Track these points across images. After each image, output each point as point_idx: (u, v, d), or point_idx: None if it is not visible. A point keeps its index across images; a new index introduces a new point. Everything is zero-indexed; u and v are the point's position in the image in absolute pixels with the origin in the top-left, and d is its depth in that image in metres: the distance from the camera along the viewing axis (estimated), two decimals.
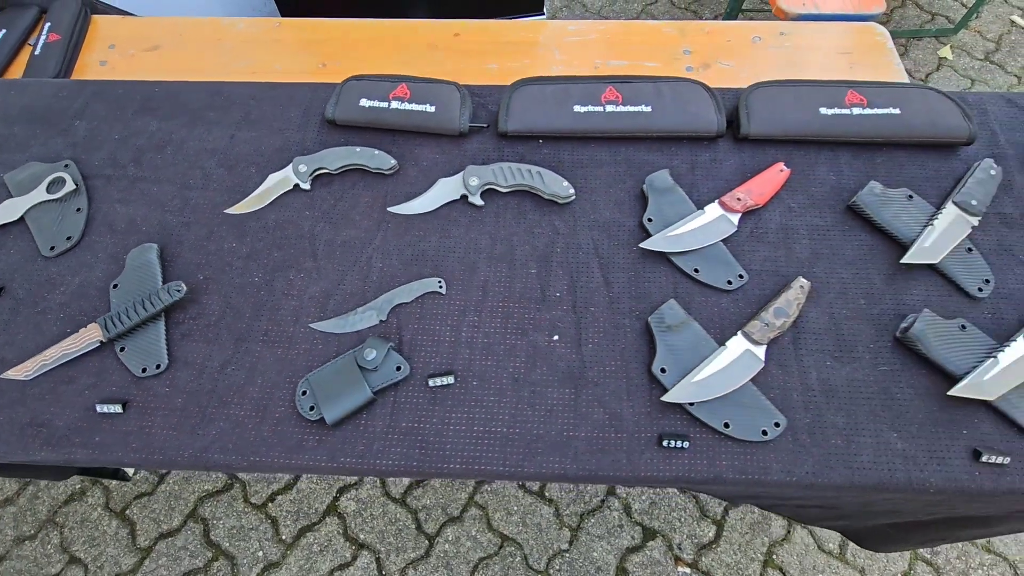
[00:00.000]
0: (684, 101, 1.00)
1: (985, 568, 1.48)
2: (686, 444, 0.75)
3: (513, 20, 1.19)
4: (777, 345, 0.82)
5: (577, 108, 1.00)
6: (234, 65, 1.26)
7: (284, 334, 0.85)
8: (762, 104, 0.98)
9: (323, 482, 1.62)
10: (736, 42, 1.11)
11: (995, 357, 0.79)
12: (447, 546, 1.53)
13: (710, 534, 1.53)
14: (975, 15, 2.31)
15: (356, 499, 1.60)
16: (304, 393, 0.79)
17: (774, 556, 1.50)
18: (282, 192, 0.96)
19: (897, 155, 0.98)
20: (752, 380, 0.79)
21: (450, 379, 0.80)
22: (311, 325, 0.85)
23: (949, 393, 0.76)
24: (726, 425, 0.76)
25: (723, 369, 0.78)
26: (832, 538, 1.51)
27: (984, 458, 0.73)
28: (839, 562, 1.49)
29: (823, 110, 0.97)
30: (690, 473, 0.75)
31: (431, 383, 0.80)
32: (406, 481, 1.61)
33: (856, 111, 0.97)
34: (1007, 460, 0.73)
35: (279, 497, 1.60)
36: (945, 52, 2.41)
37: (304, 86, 1.08)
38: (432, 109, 0.99)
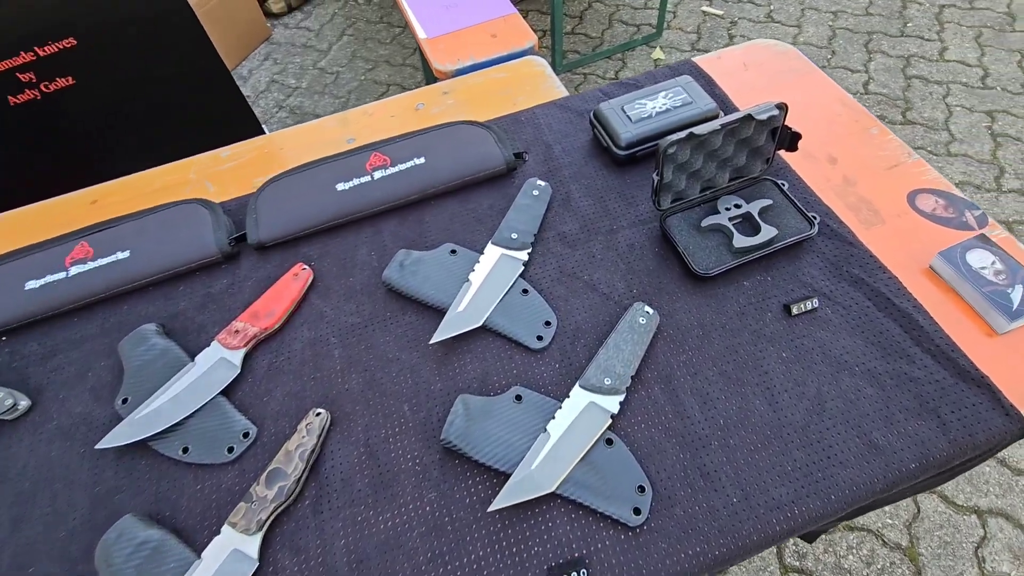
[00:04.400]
0: (462, 142, 0.87)
1: (855, 548, 1.28)
2: None
3: (157, 168, 1.00)
4: (288, 519, 0.59)
5: (341, 186, 0.83)
6: None
7: None
8: (272, 203, 0.82)
9: None
10: (401, 115, 0.97)
11: (546, 431, 0.61)
12: None
13: None
14: (672, 15, 2.44)
15: None
16: None
17: None
18: None
19: (446, 205, 0.84)
20: None
21: None
22: None
23: (492, 510, 0.57)
24: None
25: None
26: None
27: None
28: None
29: (340, 186, 0.82)
30: None
31: None
32: None
33: (379, 175, 0.83)
34: None
35: None
36: (657, 54, 2.52)
37: None
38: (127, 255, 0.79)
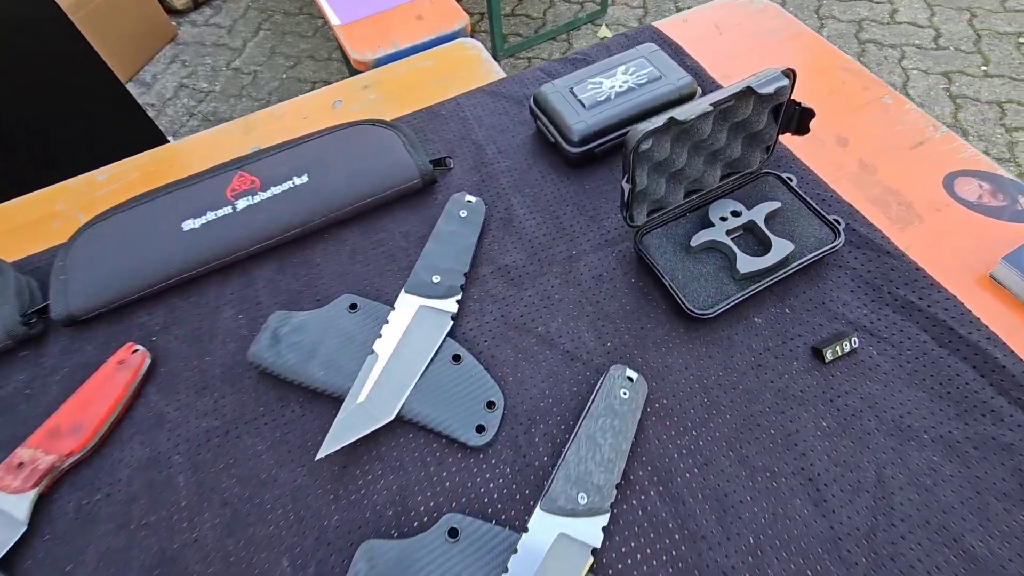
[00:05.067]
0: (359, 151, 0.64)
1: None
2: None
3: (16, 200, 0.73)
4: None
5: (189, 225, 0.59)
6: None
7: None
8: (90, 257, 0.57)
9: None
10: (315, 116, 0.74)
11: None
12: None
13: None
14: None
15: None
16: None
17: None
18: None
19: (344, 239, 0.61)
20: None
21: None
22: None
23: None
24: None
25: None
26: None
27: None
28: None
29: (189, 224, 0.58)
30: None
31: None
32: None
33: (245, 203, 0.60)
34: None
35: None
36: (604, 32, 2.33)
37: None
38: None
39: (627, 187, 0.49)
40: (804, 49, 0.76)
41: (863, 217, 0.58)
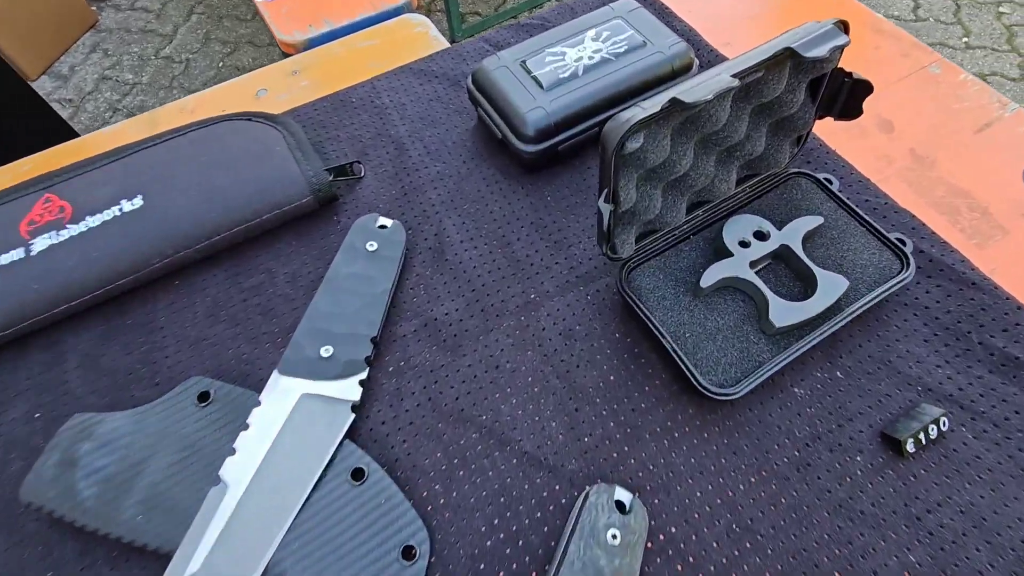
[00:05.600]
0: (224, 158, 0.45)
1: None
2: None
3: None
4: None
5: None
6: None
7: None
8: None
9: None
10: (236, 107, 0.55)
11: None
12: None
13: None
14: None
15: None
16: None
17: None
18: None
19: (198, 288, 0.43)
20: None
21: None
22: None
23: None
24: None
25: None
26: None
27: None
28: None
29: None
30: None
31: None
32: None
33: (46, 243, 0.41)
34: None
35: None
36: None
37: None
38: None
39: (607, 208, 0.32)
40: (822, 6, 0.60)
41: (930, 232, 0.42)
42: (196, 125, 0.47)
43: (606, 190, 0.32)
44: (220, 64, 2.07)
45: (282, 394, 0.35)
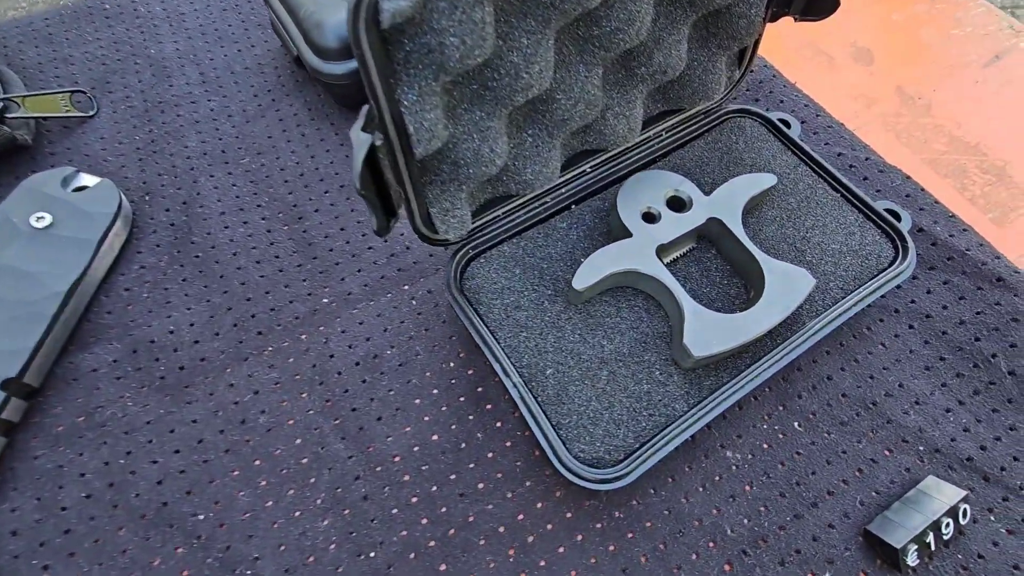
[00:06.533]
0: None
1: None
2: None
3: None
4: None
5: None
6: None
7: None
8: None
9: None
10: None
11: None
12: None
13: None
14: None
15: None
16: None
17: None
18: None
19: None
20: None
21: None
22: None
23: None
24: None
25: None
26: None
27: None
28: None
29: None
30: None
31: None
32: None
33: None
34: None
35: None
36: None
37: None
38: None
39: (364, 139, 0.17)
40: None
41: (932, 201, 0.29)
42: None
43: (367, 106, 0.16)
44: None
45: None
